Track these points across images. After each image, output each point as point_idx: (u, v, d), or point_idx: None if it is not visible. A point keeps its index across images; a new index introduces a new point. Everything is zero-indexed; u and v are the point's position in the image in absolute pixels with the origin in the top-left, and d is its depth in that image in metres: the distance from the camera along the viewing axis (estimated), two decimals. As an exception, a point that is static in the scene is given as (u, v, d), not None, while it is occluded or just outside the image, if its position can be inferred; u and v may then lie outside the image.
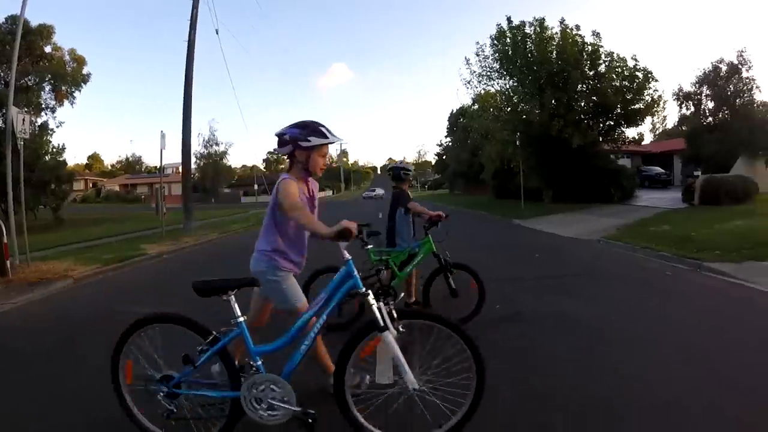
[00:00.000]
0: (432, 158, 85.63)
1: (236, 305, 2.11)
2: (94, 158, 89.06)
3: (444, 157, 55.39)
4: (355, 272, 2.18)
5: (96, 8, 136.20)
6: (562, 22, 19.24)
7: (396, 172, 4.47)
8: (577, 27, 19.09)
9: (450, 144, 52.68)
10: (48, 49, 22.53)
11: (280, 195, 2.35)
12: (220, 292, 2.08)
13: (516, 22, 19.62)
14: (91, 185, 64.47)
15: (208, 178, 53.51)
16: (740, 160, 19.72)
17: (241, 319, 2.12)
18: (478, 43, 21.64)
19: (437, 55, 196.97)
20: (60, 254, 9.65)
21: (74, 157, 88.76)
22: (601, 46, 18.87)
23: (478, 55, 21.10)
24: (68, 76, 22.59)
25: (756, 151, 19.69)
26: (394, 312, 2.08)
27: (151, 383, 2.18)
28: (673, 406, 2.49)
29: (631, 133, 20.25)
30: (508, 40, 19.71)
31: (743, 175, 16.20)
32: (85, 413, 2.67)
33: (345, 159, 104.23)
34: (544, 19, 19.38)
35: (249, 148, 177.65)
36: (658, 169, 28.21)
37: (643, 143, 24.15)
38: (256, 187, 40.92)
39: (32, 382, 3.17)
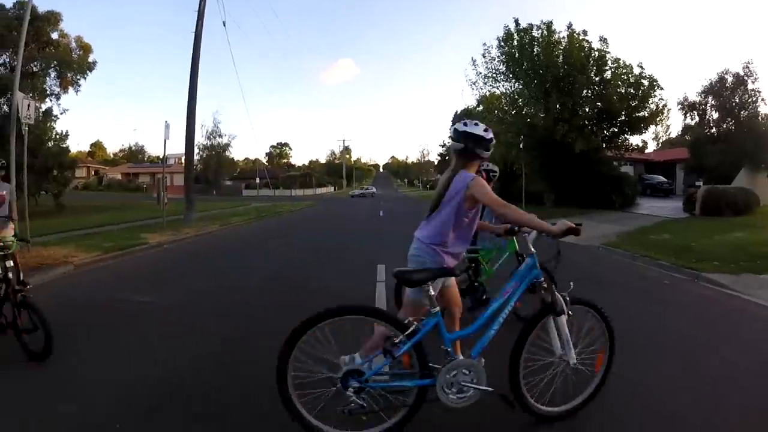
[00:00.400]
0: (435, 158, 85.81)
1: (433, 294, 2.18)
2: (96, 146, 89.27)
3: (447, 158, 55.41)
4: (538, 264, 2.37)
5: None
6: (569, 26, 19.28)
7: (486, 174, 4.65)
8: (585, 32, 19.12)
9: (453, 145, 52.60)
10: (55, 35, 22.49)
11: (476, 192, 2.37)
12: (422, 282, 2.15)
13: (523, 24, 19.64)
14: (93, 173, 64.52)
15: (210, 170, 53.59)
16: (743, 171, 19.72)
17: (437, 308, 2.17)
18: (485, 44, 21.54)
19: (443, 57, 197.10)
20: (61, 240, 9.67)
21: (77, 144, 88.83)
22: (608, 52, 18.92)
23: (484, 57, 21.11)
24: (74, 64, 22.55)
25: (759, 163, 19.70)
26: (567, 298, 2.34)
27: (334, 382, 2.11)
28: (673, 417, 2.51)
29: (634, 140, 20.27)
30: (515, 42, 19.69)
31: (745, 187, 16.22)
32: (78, 412, 2.60)
33: (348, 155, 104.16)
34: (551, 22, 19.42)
35: (252, 141, 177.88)
36: (660, 178, 28.20)
37: (646, 151, 24.12)
38: (258, 180, 40.88)
39: (29, 371, 3.16)
